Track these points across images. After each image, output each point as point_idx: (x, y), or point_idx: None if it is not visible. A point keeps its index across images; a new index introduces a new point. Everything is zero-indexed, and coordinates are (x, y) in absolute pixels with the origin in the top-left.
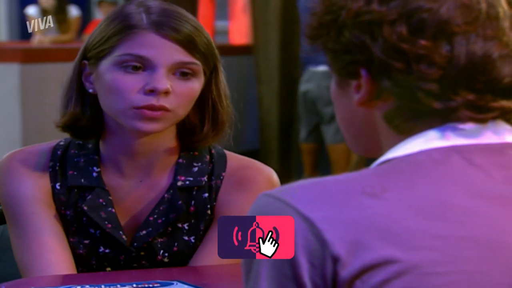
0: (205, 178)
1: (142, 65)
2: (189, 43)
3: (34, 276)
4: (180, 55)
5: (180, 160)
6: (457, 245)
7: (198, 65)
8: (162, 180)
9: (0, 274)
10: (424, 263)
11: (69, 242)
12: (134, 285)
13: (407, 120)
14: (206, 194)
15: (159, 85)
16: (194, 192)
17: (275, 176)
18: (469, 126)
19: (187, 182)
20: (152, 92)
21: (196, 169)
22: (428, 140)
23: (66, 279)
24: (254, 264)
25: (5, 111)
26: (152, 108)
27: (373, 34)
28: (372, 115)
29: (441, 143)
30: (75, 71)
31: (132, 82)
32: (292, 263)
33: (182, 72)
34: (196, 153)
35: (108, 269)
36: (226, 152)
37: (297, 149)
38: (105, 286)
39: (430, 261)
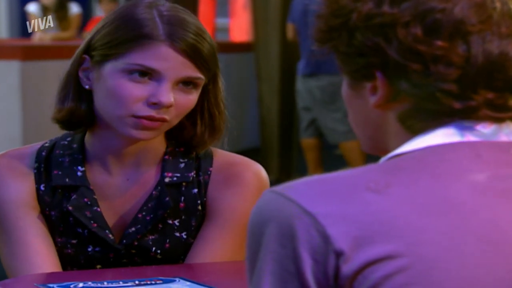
0: (193, 174)
1: (149, 74)
2: (198, 57)
3: None
4: (189, 70)
5: (167, 157)
6: (459, 241)
7: (202, 79)
8: (149, 177)
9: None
10: (427, 258)
11: (57, 242)
12: (137, 282)
13: (422, 120)
14: (196, 190)
15: (164, 99)
16: (183, 188)
17: (263, 172)
18: (484, 125)
19: (175, 178)
20: (155, 104)
21: (183, 165)
22: (436, 137)
23: (68, 276)
24: (258, 260)
25: (5, 109)
26: (151, 119)
27: (387, 36)
28: (386, 116)
29: (450, 139)
30: (74, 65)
31: (136, 92)
32: (295, 259)
33: (185, 83)
34: (182, 149)
35: (98, 266)
36: (212, 148)
37: (297, 147)
38: (108, 282)
39: (433, 257)
